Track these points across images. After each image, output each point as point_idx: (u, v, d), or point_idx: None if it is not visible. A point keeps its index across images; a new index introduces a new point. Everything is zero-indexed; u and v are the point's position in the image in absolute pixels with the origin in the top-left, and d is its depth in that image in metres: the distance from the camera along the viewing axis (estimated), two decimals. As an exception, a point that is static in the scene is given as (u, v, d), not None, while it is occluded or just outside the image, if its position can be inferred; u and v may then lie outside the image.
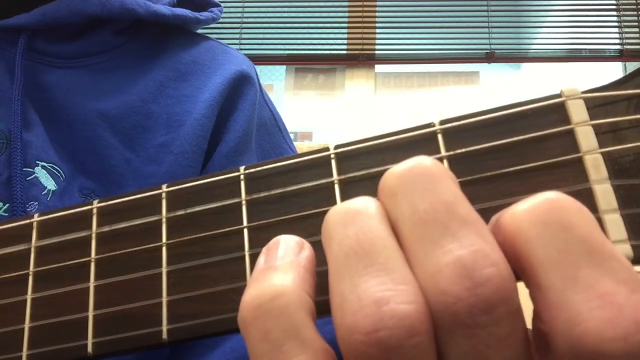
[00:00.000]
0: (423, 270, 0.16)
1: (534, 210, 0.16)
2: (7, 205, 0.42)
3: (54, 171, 0.45)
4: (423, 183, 0.17)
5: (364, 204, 0.18)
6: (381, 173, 0.19)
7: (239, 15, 2.46)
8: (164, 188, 0.25)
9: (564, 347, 0.15)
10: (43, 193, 0.43)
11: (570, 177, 0.19)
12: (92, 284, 0.24)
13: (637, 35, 2.36)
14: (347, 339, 0.16)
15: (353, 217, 0.18)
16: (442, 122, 0.21)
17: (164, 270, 0.23)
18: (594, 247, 0.16)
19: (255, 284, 0.18)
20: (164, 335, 0.22)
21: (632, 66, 2.38)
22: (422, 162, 0.18)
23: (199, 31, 0.60)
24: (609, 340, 0.14)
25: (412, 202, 0.17)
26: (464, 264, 0.16)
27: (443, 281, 0.16)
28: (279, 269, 0.18)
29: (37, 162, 0.44)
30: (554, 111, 0.20)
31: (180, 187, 0.24)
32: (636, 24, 2.37)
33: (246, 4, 2.48)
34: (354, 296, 0.16)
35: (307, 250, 0.20)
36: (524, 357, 0.16)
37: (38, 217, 0.26)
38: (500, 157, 0.20)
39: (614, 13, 2.40)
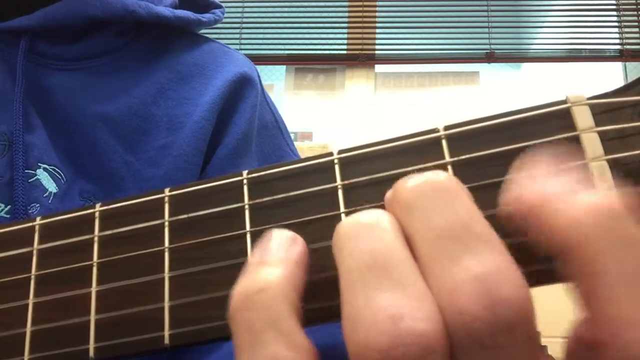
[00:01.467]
0: (440, 287, 0.16)
1: (600, 216, 0.16)
2: (8, 207, 0.42)
3: (55, 174, 0.45)
4: (440, 198, 0.17)
5: (377, 217, 0.18)
6: (385, 178, 0.19)
7: (239, 15, 2.46)
8: (167, 192, 0.24)
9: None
10: (44, 195, 0.43)
11: None
12: (94, 288, 0.24)
13: (637, 35, 2.37)
14: (360, 354, 0.16)
15: (368, 230, 0.18)
16: (446, 128, 0.21)
17: (166, 274, 0.23)
18: None
19: (246, 277, 0.19)
20: (166, 340, 0.22)
21: (632, 66, 2.38)
22: (437, 176, 0.18)
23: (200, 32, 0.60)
24: None
25: (430, 218, 0.17)
26: (483, 281, 0.15)
27: (461, 299, 0.15)
28: (269, 264, 0.19)
29: (38, 164, 0.44)
30: (559, 117, 0.20)
31: (183, 191, 0.24)
32: (636, 24, 2.38)
33: (246, 4, 2.48)
34: (367, 311, 0.16)
35: (300, 245, 0.20)
36: None
37: (40, 220, 0.26)
38: (505, 164, 0.20)
39: (614, 13, 2.41)
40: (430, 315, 0.15)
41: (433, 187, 0.18)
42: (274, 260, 0.19)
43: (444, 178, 0.18)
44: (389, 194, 0.19)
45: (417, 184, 0.18)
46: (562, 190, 0.16)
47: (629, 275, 0.15)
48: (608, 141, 0.19)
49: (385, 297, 0.16)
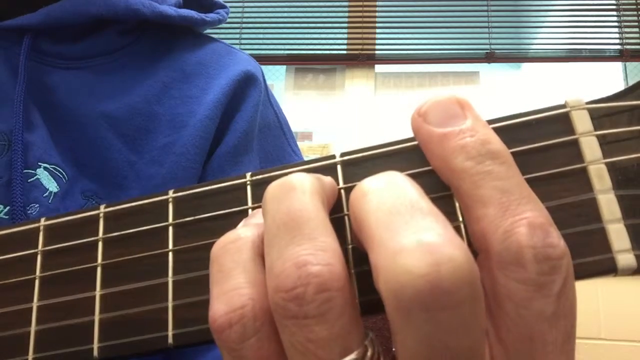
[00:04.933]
0: (385, 251, 0.17)
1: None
2: (7, 207, 0.42)
3: (57, 173, 0.45)
4: (391, 184, 0.19)
5: (300, 180, 0.20)
6: None
7: (239, 15, 2.46)
8: (171, 193, 0.25)
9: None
10: (44, 195, 0.43)
11: (575, 187, 0.19)
12: (98, 288, 0.24)
13: (637, 35, 2.36)
14: (273, 298, 0.18)
15: (287, 192, 0.20)
16: None
17: (170, 275, 0.23)
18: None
19: (226, 234, 0.21)
20: (170, 340, 0.23)
21: (632, 66, 2.38)
22: (391, 172, 0.20)
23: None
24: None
25: (380, 198, 0.18)
26: (428, 243, 0.16)
27: (405, 259, 0.16)
28: (246, 224, 0.22)
29: (39, 163, 0.44)
30: (558, 121, 0.20)
31: (187, 192, 0.24)
32: (636, 24, 2.37)
33: (246, 4, 2.48)
34: (279, 261, 0.18)
35: None
36: (481, 348, 0.17)
37: (45, 221, 0.26)
38: None
39: (614, 13, 2.40)
40: (331, 261, 0.18)
41: (385, 178, 0.19)
42: (249, 223, 0.22)
43: (396, 173, 0.19)
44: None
45: (372, 177, 0.20)
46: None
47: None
48: (606, 144, 0.19)
49: (296, 249, 0.18)
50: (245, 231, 0.21)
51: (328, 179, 0.22)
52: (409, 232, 0.17)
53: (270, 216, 0.20)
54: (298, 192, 0.20)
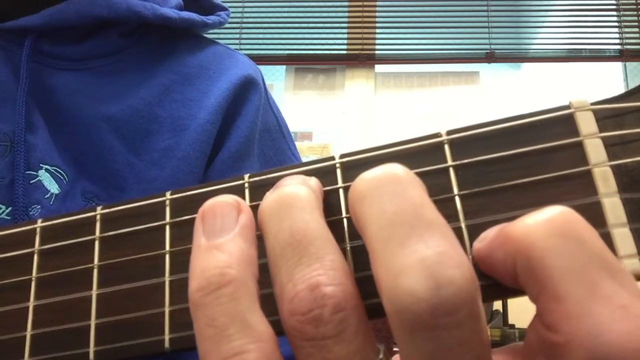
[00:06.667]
0: (387, 269, 0.17)
1: (551, 222, 0.17)
2: (9, 208, 0.42)
3: (58, 174, 0.45)
4: (392, 187, 0.18)
5: (295, 193, 0.19)
6: None
7: (239, 15, 2.46)
8: (168, 195, 0.24)
9: (583, 357, 0.15)
10: (46, 196, 0.43)
11: (579, 190, 0.19)
12: (94, 291, 0.24)
13: (637, 35, 2.37)
14: (288, 321, 0.18)
15: (285, 210, 0.19)
16: (449, 133, 0.21)
17: (167, 278, 0.23)
18: (609, 261, 0.16)
19: (200, 267, 0.19)
20: (166, 344, 0.22)
21: (632, 66, 2.38)
22: (392, 168, 0.18)
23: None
24: (633, 351, 0.15)
25: (380, 205, 0.18)
26: (428, 264, 0.16)
27: (407, 281, 0.16)
28: (222, 249, 0.19)
29: (40, 165, 0.44)
30: (562, 123, 0.20)
31: (184, 194, 0.24)
32: (636, 24, 2.38)
33: (246, 4, 2.48)
34: (290, 285, 0.18)
35: (245, 213, 0.20)
36: None
37: (41, 222, 0.26)
38: (507, 169, 0.20)
39: (614, 13, 2.41)
40: (340, 280, 0.17)
41: (386, 177, 0.18)
42: (225, 243, 0.19)
43: (398, 169, 0.18)
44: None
45: (372, 175, 0.19)
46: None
47: (577, 271, 0.16)
48: (611, 147, 0.19)
49: (305, 270, 0.18)
50: (228, 264, 0.18)
51: (313, 181, 0.21)
52: (410, 248, 0.16)
53: (271, 237, 0.19)
54: (297, 209, 0.19)
